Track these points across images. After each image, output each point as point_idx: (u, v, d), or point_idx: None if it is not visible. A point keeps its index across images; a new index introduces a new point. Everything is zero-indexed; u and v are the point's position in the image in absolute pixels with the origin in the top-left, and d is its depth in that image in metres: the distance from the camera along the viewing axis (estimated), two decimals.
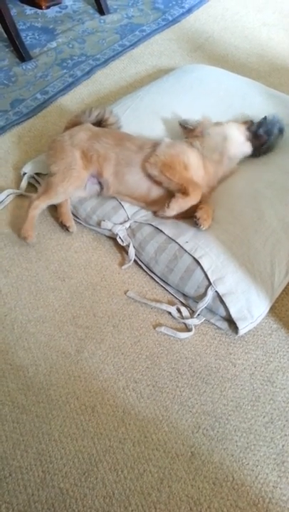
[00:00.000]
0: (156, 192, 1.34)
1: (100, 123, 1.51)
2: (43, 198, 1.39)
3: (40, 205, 1.40)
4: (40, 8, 2.50)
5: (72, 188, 1.37)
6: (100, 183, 1.40)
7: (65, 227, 1.44)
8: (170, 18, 2.45)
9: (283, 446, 1.04)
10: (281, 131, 1.44)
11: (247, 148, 1.42)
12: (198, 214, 1.26)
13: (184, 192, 1.27)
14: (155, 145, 1.37)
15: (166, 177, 1.29)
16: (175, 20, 2.43)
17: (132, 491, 0.99)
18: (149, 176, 1.33)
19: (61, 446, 1.06)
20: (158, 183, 1.33)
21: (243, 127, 1.43)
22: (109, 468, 1.03)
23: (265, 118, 1.44)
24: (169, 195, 1.31)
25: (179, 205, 1.28)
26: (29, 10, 2.51)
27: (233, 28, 2.38)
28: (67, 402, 1.13)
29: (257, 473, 1.01)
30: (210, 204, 1.32)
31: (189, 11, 2.50)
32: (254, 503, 0.97)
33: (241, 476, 1.01)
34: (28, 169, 1.56)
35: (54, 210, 1.48)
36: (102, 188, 1.40)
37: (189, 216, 1.29)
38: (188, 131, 1.45)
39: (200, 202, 1.30)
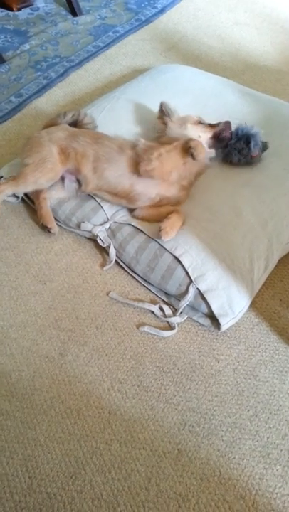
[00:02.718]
0: (139, 187, 1.34)
1: (75, 124, 1.51)
2: (10, 184, 1.38)
3: (5, 191, 1.38)
4: (11, 10, 2.48)
5: (45, 180, 1.36)
6: (78, 181, 1.39)
7: (46, 229, 1.42)
8: (143, 19, 2.46)
9: (268, 438, 1.06)
10: (248, 139, 1.39)
11: (210, 153, 1.43)
12: (163, 225, 1.25)
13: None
14: (133, 146, 1.37)
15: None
16: (148, 21, 2.45)
17: (120, 492, 0.99)
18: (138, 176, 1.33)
19: (47, 450, 1.05)
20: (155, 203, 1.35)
21: (207, 135, 1.42)
22: (97, 470, 1.02)
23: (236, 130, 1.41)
24: (152, 188, 1.33)
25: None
26: (0, 12, 2.49)
27: (206, 27, 2.40)
28: (52, 406, 1.12)
29: (243, 467, 1.02)
30: (180, 214, 1.31)
31: (162, 11, 2.52)
32: (241, 496, 0.98)
33: (228, 470, 1.02)
34: (5, 172, 1.54)
35: (33, 213, 1.47)
36: (80, 185, 1.39)
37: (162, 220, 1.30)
38: (164, 120, 1.46)
39: (172, 210, 1.32)
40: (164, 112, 1.47)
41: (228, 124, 1.42)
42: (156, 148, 1.33)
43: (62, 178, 1.41)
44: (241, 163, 1.42)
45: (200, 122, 1.45)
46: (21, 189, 1.40)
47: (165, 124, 1.46)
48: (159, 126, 1.48)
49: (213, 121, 1.48)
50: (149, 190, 1.34)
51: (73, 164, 1.37)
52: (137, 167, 1.32)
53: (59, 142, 1.38)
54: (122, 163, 1.34)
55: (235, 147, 1.40)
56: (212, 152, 1.44)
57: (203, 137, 1.42)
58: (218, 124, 1.44)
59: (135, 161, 1.33)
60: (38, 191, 1.43)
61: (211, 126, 1.44)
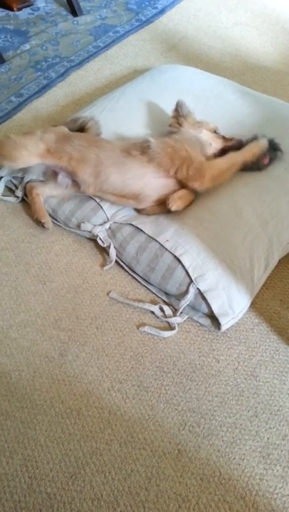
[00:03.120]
0: (148, 189, 1.33)
1: (82, 130, 1.50)
2: None
3: None
4: (11, 9, 2.48)
5: (11, 161, 1.37)
6: (73, 180, 1.39)
7: (40, 224, 1.43)
8: (143, 19, 2.46)
9: (268, 438, 1.06)
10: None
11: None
12: (172, 197, 1.29)
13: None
14: (139, 147, 1.34)
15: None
16: (148, 21, 2.45)
17: (120, 492, 0.99)
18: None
19: (47, 450, 1.05)
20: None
21: (218, 145, 1.44)
22: (97, 470, 1.02)
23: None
24: (162, 189, 1.33)
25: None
26: (0, 12, 2.49)
27: (206, 27, 2.40)
28: (52, 406, 1.12)
29: (243, 467, 1.02)
30: (190, 192, 1.33)
31: (162, 11, 2.52)
32: (241, 496, 0.98)
33: (228, 470, 1.02)
34: (5, 173, 1.54)
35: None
36: (73, 182, 1.39)
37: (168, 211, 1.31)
38: (178, 120, 1.46)
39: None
40: (179, 112, 1.47)
41: (240, 142, 1.42)
42: (199, 159, 1.32)
43: (56, 174, 1.41)
44: (254, 170, 1.42)
45: (215, 131, 1.47)
46: None
47: (180, 124, 1.46)
48: (173, 125, 1.47)
49: (215, 119, 1.49)
50: (159, 191, 1.34)
51: (65, 167, 1.36)
52: (152, 168, 1.31)
53: (48, 144, 1.37)
54: (131, 166, 1.33)
55: None
56: None
57: (213, 146, 1.43)
58: (231, 139, 1.45)
59: (152, 163, 1.31)
60: (31, 187, 1.44)
61: (225, 138, 1.46)
